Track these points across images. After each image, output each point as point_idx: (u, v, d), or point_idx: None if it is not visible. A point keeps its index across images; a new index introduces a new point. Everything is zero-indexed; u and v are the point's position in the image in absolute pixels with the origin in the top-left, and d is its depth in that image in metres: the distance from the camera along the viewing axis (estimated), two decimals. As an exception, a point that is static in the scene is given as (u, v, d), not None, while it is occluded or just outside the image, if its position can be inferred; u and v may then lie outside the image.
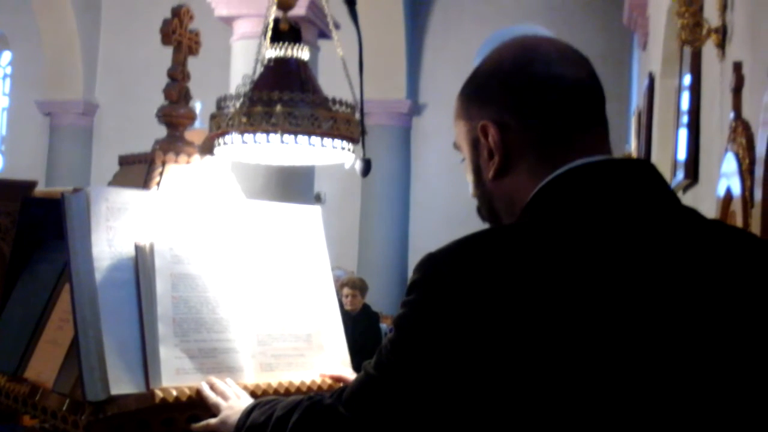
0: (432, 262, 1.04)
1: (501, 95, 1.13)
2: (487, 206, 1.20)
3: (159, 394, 1.47)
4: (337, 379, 1.72)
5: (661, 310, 1.00)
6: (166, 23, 1.95)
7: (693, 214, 1.12)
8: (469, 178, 1.20)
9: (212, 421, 1.48)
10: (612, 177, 1.08)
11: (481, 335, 0.97)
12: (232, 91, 2.12)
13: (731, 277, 1.05)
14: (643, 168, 1.11)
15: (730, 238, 1.11)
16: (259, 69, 2.17)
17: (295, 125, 1.98)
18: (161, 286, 1.55)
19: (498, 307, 0.98)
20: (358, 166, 2.11)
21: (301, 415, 1.19)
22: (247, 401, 1.47)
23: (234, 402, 1.48)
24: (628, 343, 0.98)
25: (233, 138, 2.01)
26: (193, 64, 1.99)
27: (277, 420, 1.25)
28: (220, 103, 2.07)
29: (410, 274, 1.07)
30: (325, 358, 1.75)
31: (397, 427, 1.05)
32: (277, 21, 2.19)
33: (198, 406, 1.50)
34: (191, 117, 1.95)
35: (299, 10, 7.30)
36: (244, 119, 1.98)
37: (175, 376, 1.51)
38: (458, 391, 0.99)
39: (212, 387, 1.52)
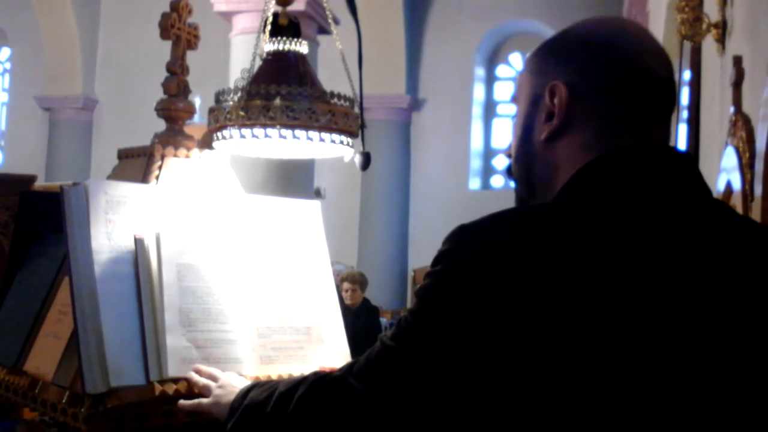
0: (462, 234, 1.02)
1: (582, 60, 1.10)
2: (525, 167, 1.17)
3: (159, 386, 1.47)
4: (336, 373, 1.72)
5: (693, 305, 0.99)
6: (164, 17, 1.95)
7: (726, 209, 1.12)
8: (517, 133, 1.17)
9: (204, 401, 1.44)
10: (651, 166, 1.06)
11: (507, 311, 0.96)
12: (232, 86, 2.12)
13: (762, 273, 1.04)
14: (681, 158, 1.10)
15: (760, 234, 1.10)
16: (258, 63, 2.17)
17: (293, 119, 1.98)
18: (168, 276, 1.55)
19: (525, 284, 0.96)
20: (358, 159, 2.11)
21: (308, 389, 1.14)
22: (238, 380, 1.45)
23: (224, 381, 1.44)
24: (651, 336, 0.97)
25: (231, 132, 2.01)
26: (192, 59, 1.99)
27: (280, 396, 1.19)
28: (219, 97, 2.07)
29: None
30: (324, 352, 1.76)
31: (413, 400, 1.01)
32: (276, 15, 2.19)
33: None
34: (190, 111, 1.95)
35: (298, 5, 7.30)
36: (242, 113, 1.98)
37: (181, 365, 1.51)
38: (479, 366, 0.97)
39: (199, 372, 1.49)
